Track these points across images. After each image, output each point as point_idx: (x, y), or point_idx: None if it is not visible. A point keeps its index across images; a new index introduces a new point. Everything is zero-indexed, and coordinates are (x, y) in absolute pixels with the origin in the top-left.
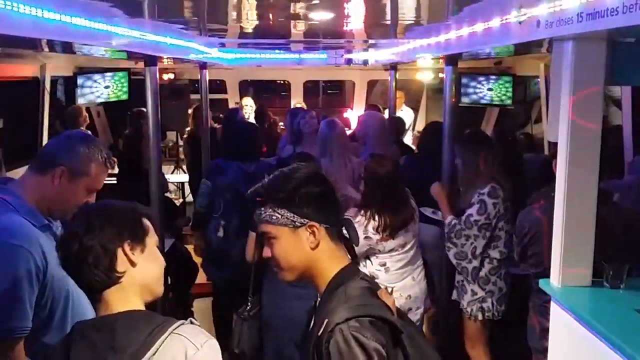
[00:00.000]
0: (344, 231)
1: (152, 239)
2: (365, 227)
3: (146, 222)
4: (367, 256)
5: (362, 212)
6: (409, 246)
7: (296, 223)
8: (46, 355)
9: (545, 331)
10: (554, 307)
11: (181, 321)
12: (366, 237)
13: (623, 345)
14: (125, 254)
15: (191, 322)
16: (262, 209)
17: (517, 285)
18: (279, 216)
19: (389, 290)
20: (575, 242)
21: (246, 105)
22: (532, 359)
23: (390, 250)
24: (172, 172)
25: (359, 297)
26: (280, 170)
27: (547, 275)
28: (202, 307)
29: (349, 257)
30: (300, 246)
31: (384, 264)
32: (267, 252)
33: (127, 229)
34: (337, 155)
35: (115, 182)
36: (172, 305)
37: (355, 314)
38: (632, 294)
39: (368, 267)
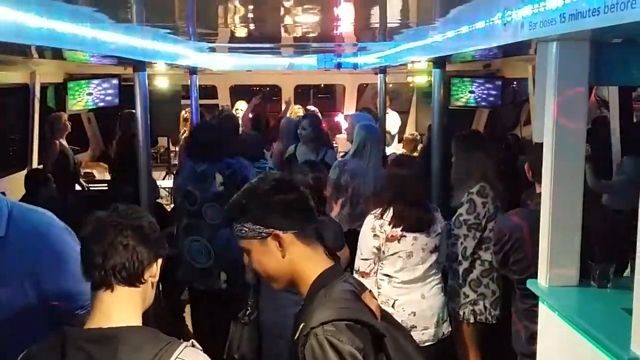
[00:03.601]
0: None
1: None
2: (374, 226)
3: None
4: (374, 262)
5: (378, 210)
6: (417, 259)
7: (262, 234)
8: None
9: (532, 336)
10: (541, 308)
11: (184, 344)
12: (375, 236)
13: (610, 344)
14: (156, 268)
15: (193, 345)
16: (235, 225)
17: (506, 287)
18: (247, 230)
19: (390, 303)
20: (562, 242)
21: (237, 110)
22: None
23: (393, 255)
24: (164, 178)
25: (338, 300)
26: (247, 184)
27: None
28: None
29: (330, 259)
30: (272, 256)
31: (388, 275)
32: (249, 265)
33: (164, 249)
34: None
35: (106, 187)
36: (163, 310)
37: (331, 317)
38: (619, 293)
39: (372, 278)
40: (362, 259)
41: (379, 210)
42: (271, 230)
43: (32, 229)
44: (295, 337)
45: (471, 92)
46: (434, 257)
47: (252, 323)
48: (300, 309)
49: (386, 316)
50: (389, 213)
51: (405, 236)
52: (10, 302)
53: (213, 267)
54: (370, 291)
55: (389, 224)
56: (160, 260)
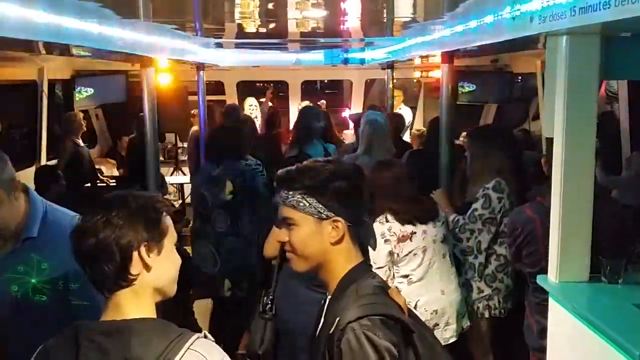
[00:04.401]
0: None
1: (170, 239)
2: (383, 231)
3: (166, 220)
4: (389, 268)
5: (382, 217)
6: (431, 251)
7: (322, 215)
8: (47, 357)
9: (543, 330)
10: (551, 303)
11: (196, 335)
12: (386, 241)
13: (621, 340)
14: (141, 257)
15: (205, 336)
16: (290, 192)
17: (520, 280)
18: (307, 204)
19: (412, 305)
20: (572, 237)
21: (251, 106)
22: (530, 358)
23: (409, 254)
24: (172, 174)
25: (371, 296)
26: (314, 160)
27: (544, 274)
28: (203, 308)
29: (363, 257)
30: (320, 238)
31: (406, 276)
32: (283, 237)
33: (146, 230)
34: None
35: (115, 184)
36: (172, 306)
37: (367, 312)
38: (630, 289)
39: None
40: (377, 269)
41: (382, 217)
42: (332, 214)
43: (61, 232)
44: (331, 332)
45: (479, 87)
46: (446, 247)
47: (274, 318)
48: (329, 303)
49: (411, 314)
50: (392, 215)
51: (415, 233)
52: (38, 302)
53: (218, 273)
54: (395, 288)
55: (398, 224)
56: (144, 248)
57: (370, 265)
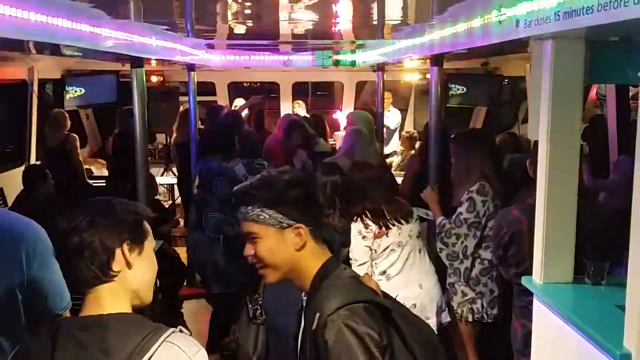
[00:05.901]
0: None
1: (150, 243)
2: (359, 229)
3: (146, 225)
4: (370, 265)
5: (355, 218)
6: (408, 246)
7: (283, 224)
8: (26, 354)
9: (528, 334)
10: (536, 304)
11: (172, 329)
12: (363, 237)
13: (603, 341)
14: (123, 254)
15: (181, 331)
16: (250, 207)
17: (505, 286)
18: (267, 216)
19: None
20: (556, 239)
21: (236, 107)
22: None
23: (386, 249)
24: (162, 174)
25: (344, 286)
26: (268, 171)
27: (529, 274)
28: (192, 309)
29: (330, 253)
30: (285, 246)
31: (384, 272)
32: (249, 251)
33: (128, 229)
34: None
35: (104, 184)
36: (161, 307)
37: (343, 302)
38: (613, 290)
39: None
40: (359, 266)
41: (358, 217)
42: (293, 222)
43: (17, 228)
44: (313, 328)
45: (469, 90)
46: (421, 242)
47: (264, 322)
48: (307, 301)
49: (388, 296)
50: (366, 215)
51: (391, 228)
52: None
53: (189, 264)
54: (366, 274)
55: (376, 222)
56: (126, 246)
57: (339, 260)
